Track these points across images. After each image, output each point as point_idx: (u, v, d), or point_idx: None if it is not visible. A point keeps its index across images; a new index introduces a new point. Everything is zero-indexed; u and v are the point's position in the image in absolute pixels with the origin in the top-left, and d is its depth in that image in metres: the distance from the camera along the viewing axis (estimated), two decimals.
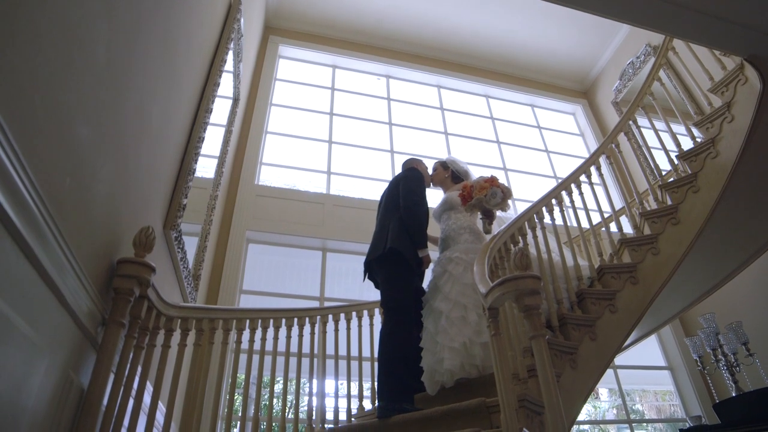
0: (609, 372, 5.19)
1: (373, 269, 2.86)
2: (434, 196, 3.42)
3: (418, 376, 2.65)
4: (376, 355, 3.03)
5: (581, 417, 5.54)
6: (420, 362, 2.68)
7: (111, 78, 1.65)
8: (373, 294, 2.97)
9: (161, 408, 2.36)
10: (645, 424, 6.44)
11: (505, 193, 2.98)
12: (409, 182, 2.94)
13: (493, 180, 3.01)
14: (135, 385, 1.84)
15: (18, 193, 1.10)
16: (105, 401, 1.63)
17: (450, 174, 3.41)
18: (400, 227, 2.75)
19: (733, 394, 4.10)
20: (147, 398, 2.01)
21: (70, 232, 1.40)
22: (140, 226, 1.89)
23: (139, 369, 1.88)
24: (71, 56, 1.35)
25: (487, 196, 2.92)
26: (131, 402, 1.80)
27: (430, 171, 3.47)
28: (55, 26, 1.25)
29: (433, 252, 3.28)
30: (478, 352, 2.49)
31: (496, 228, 2.99)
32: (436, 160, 3.56)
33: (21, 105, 1.13)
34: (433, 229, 3.44)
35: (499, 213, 3.14)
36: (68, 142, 1.38)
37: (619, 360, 5.15)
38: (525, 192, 6.30)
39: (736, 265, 3.74)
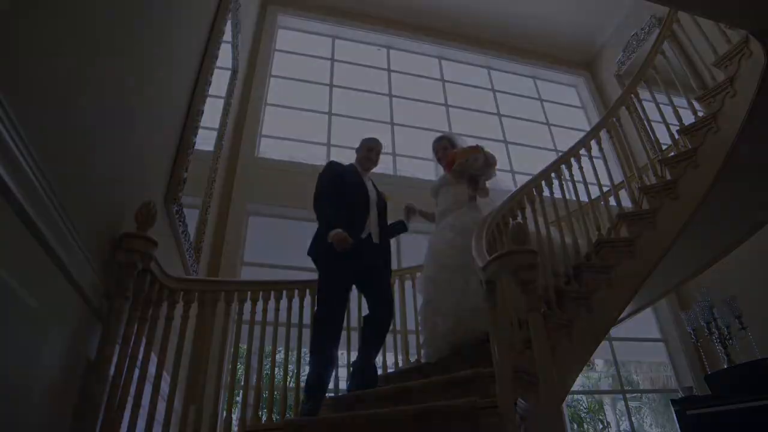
0: (605, 343, 5.27)
1: None
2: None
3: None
4: None
5: (576, 387, 5.66)
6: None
7: (111, 52, 1.64)
8: None
9: (166, 378, 2.41)
10: (638, 393, 6.59)
11: (488, 158, 3.08)
12: (316, 188, 2.88)
13: (475, 147, 3.11)
14: (140, 355, 1.88)
15: (20, 169, 1.11)
16: (111, 371, 1.68)
17: None
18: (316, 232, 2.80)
19: (725, 366, 4.19)
20: (152, 368, 2.06)
21: (73, 207, 1.42)
22: (142, 200, 1.90)
23: (144, 340, 1.93)
24: (72, 30, 1.34)
25: (468, 160, 3.07)
26: (137, 372, 1.85)
27: (438, 151, 3.48)
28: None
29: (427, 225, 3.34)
30: (467, 315, 2.58)
31: (490, 207, 3.01)
32: (440, 136, 3.55)
33: (21, 80, 1.13)
34: (429, 205, 3.45)
35: (489, 185, 3.19)
36: (69, 118, 1.38)
37: (614, 332, 5.22)
38: (525, 165, 6.28)
39: (733, 241, 3.76)
